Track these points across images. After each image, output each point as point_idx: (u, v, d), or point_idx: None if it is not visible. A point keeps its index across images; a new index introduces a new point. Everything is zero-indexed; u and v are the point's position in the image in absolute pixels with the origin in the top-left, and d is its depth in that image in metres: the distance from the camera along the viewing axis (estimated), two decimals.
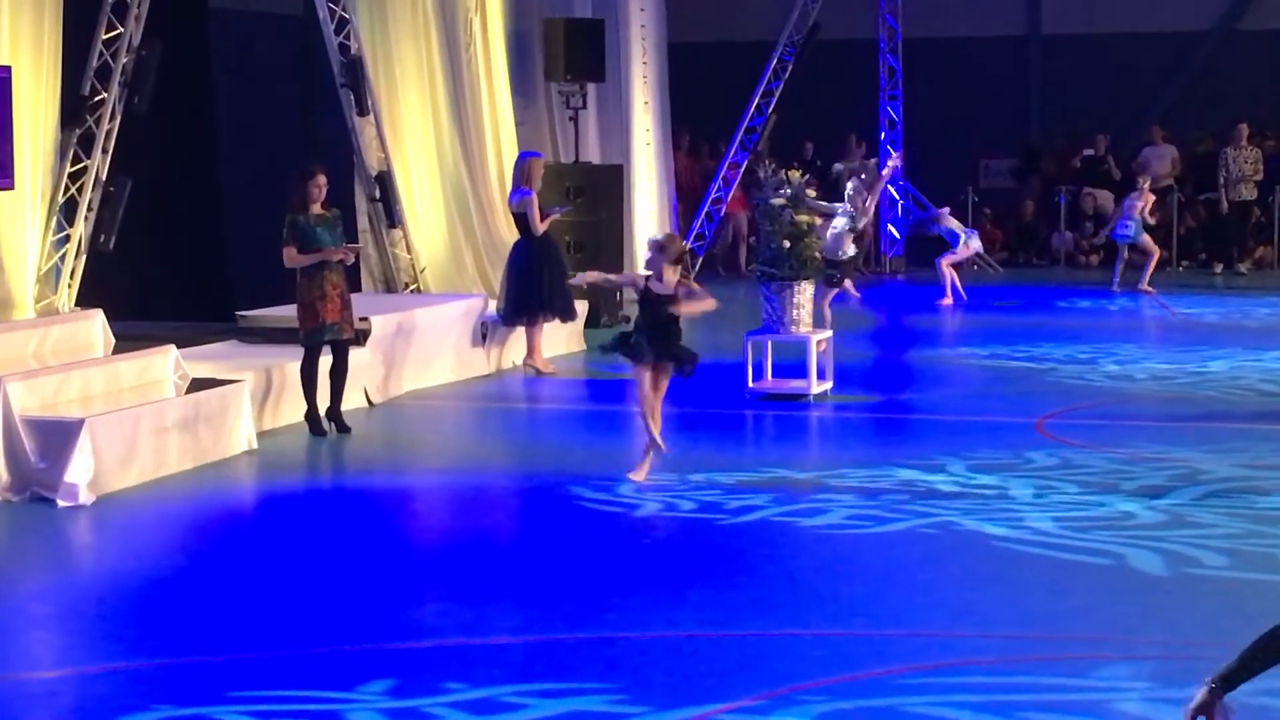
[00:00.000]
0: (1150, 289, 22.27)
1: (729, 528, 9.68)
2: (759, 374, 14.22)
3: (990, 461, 11.38)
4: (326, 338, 12.55)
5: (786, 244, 13.84)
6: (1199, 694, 4.24)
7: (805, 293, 14.05)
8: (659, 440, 10.94)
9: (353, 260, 12.95)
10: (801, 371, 14.09)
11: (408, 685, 6.94)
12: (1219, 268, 24.95)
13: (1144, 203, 22.25)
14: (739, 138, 23.74)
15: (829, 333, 14.70)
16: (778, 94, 23.81)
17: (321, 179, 12.61)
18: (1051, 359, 16.31)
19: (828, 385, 14.26)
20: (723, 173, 23.75)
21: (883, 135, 24.98)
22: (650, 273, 11.13)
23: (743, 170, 23.56)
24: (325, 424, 12.71)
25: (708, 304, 11.02)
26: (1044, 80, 27.91)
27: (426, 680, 7.01)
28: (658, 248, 11.10)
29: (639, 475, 10.89)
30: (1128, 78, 26.73)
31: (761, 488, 10.67)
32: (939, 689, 6.82)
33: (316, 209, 12.57)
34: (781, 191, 13.80)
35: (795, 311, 13.98)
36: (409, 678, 7.06)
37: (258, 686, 7.00)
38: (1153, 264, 22.48)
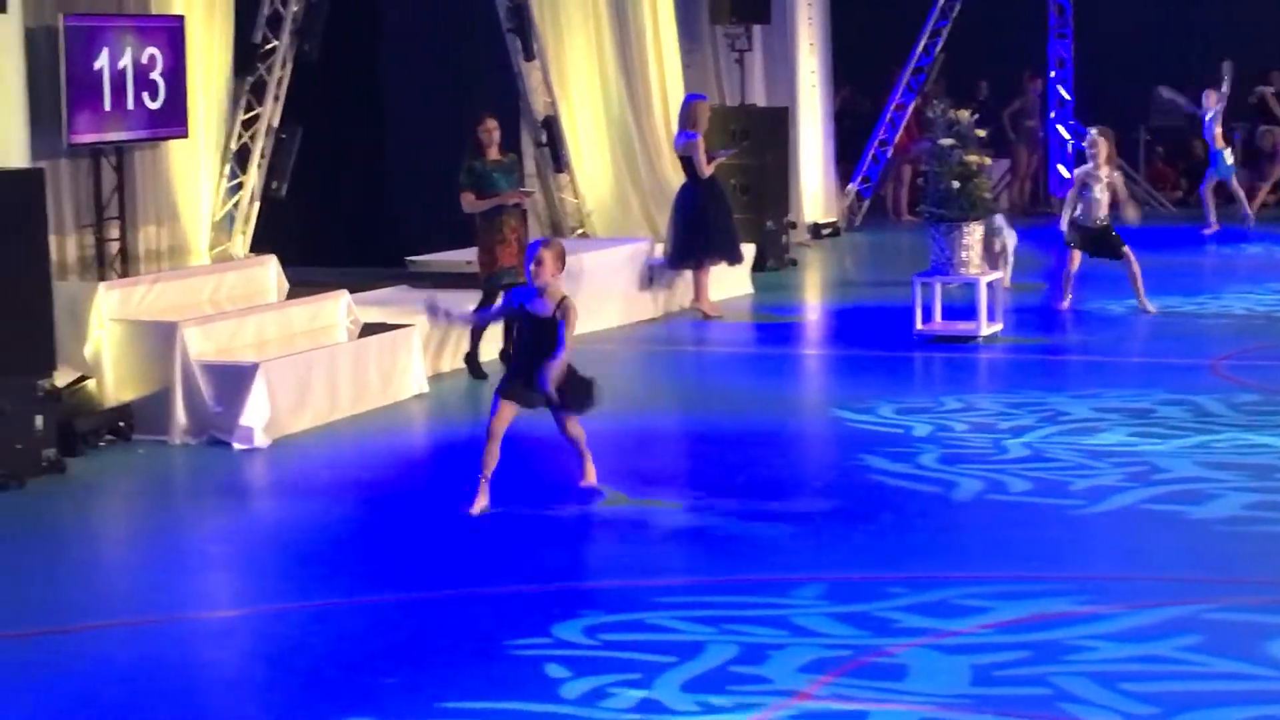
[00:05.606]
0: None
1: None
2: (927, 316, 14.09)
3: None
4: (504, 281, 12.51)
5: (955, 184, 13.70)
6: None
7: (974, 233, 13.89)
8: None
9: (527, 204, 13.02)
10: (970, 313, 13.94)
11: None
12: None
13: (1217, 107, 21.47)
14: (905, 78, 23.47)
15: (999, 273, 14.41)
16: (945, 33, 23.50)
17: (490, 123, 12.67)
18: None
19: (998, 327, 14.08)
20: (888, 114, 23.51)
21: (1052, 74, 24.55)
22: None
23: (910, 111, 23.29)
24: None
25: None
26: (1217, 15, 27.26)
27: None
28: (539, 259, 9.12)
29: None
30: None
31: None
32: None
33: (493, 154, 12.63)
34: (952, 130, 13.68)
35: (964, 253, 13.83)
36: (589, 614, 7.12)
37: (435, 628, 7.08)
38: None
